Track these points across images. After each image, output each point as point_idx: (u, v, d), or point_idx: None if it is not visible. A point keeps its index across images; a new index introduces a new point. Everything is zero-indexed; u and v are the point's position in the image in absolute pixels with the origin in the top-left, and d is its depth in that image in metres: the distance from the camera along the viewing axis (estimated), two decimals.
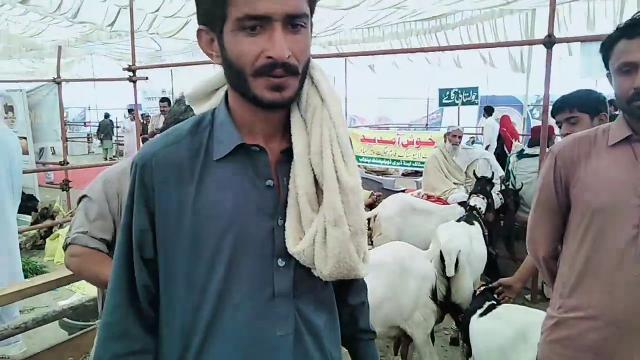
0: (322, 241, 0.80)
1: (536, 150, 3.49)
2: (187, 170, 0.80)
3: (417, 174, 9.63)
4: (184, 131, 0.83)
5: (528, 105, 11.64)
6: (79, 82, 8.19)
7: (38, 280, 1.82)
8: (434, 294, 2.41)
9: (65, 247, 1.44)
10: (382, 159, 10.19)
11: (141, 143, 6.00)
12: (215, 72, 0.89)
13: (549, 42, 3.09)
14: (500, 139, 8.87)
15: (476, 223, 3.29)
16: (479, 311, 2.08)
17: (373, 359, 1.05)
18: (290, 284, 0.83)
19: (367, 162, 10.38)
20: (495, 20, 9.29)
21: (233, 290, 0.79)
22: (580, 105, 1.88)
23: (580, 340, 1.23)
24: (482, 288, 2.36)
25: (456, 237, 2.85)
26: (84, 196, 1.46)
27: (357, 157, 9.91)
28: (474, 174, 3.81)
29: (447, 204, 4.16)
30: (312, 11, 0.78)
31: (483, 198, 3.38)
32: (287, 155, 0.83)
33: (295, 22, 0.73)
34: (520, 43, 6.76)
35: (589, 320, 1.22)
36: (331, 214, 0.79)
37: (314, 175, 0.81)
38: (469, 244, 2.96)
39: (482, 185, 3.46)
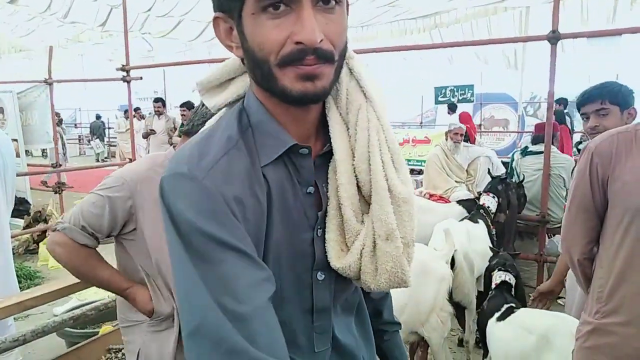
0: (371, 254, 0.72)
1: (540, 147, 3.45)
2: (252, 176, 0.67)
3: (414, 172, 9.62)
4: (234, 133, 0.69)
5: (522, 103, 11.66)
6: (69, 83, 8.02)
7: (38, 290, 1.74)
8: (450, 296, 2.36)
9: (53, 230, 1.40)
10: None
11: (135, 141, 5.89)
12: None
13: (554, 37, 3.05)
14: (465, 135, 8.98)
15: (481, 222, 3.24)
16: (497, 314, 2.01)
17: (400, 349, 1.01)
18: (330, 298, 0.76)
19: None
20: (490, 18, 9.31)
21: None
22: (612, 97, 1.82)
23: (622, 348, 1.17)
24: (498, 282, 2.29)
25: (457, 238, 2.81)
26: (93, 192, 1.40)
27: None
28: (489, 172, 3.76)
29: (450, 202, 4.11)
30: None
31: (493, 197, 3.33)
32: (323, 159, 0.74)
33: None
34: (523, 39, 6.74)
35: (629, 326, 1.16)
36: (383, 228, 0.70)
37: (357, 183, 0.72)
38: (467, 242, 2.92)
39: (494, 184, 3.40)
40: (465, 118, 9.33)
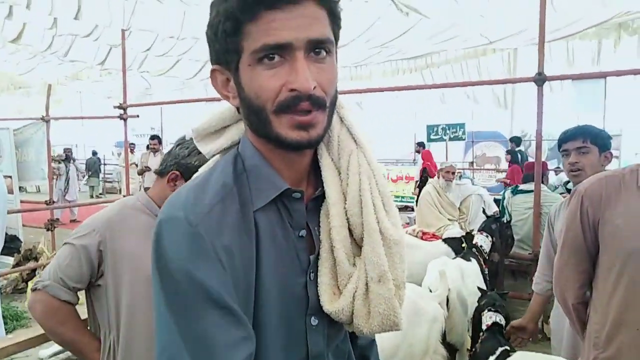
0: (364, 297, 0.72)
1: (531, 186, 3.51)
2: (242, 223, 0.68)
3: (407, 208, 9.65)
4: (229, 179, 0.70)
5: None
6: (66, 120, 8.12)
7: (22, 335, 1.70)
8: (443, 338, 2.32)
9: (34, 289, 1.37)
10: None
11: (129, 177, 5.90)
12: (207, 110, 0.81)
13: (540, 79, 3.16)
14: (425, 171, 9.14)
15: (473, 260, 3.24)
16: (492, 358, 1.98)
17: None
18: (324, 343, 0.76)
19: None
20: (479, 59, 9.61)
21: (265, 355, 0.70)
22: (592, 138, 1.89)
23: None
24: (489, 323, 2.27)
25: (450, 276, 2.80)
26: (67, 242, 1.39)
27: None
28: (484, 211, 3.79)
29: None
30: (337, 38, 0.70)
31: (487, 236, 3.34)
32: (315, 203, 0.76)
33: (319, 49, 0.65)
34: (511, 81, 6.95)
35: None
36: (375, 270, 0.71)
37: (348, 226, 0.74)
38: (461, 281, 2.91)
39: (488, 224, 3.42)
40: (425, 155, 9.56)
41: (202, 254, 0.63)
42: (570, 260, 1.31)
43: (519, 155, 8.65)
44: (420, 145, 9.86)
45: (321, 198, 0.75)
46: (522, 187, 3.77)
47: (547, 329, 3.60)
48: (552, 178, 7.93)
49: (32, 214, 6.27)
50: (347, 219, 0.73)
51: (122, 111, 4.91)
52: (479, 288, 2.56)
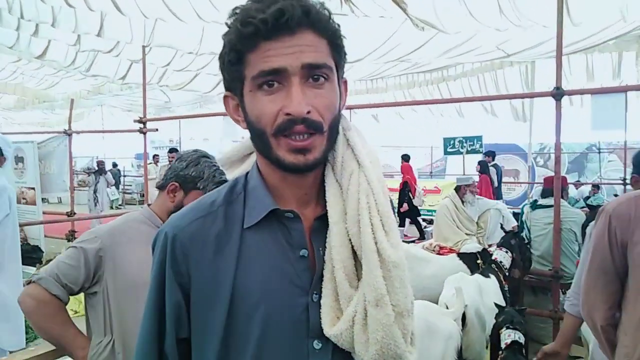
0: (363, 322, 0.70)
1: (550, 201, 3.45)
2: (224, 242, 0.73)
3: (425, 221, 9.56)
4: (220, 199, 0.77)
5: (532, 153, 11.70)
6: (93, 133, 8.32)
7: (41, 349, 1.72)
8: (459, 356, 2.28)
9: (27, 283, 1.43)
10: None
11: (148, 189, 5.99)
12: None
13: (558, 94, 3.13)
14: (405, 185, 9.12)
15: (492, 276, 3.19)
16: None
17: None
18: None
19: None
20: (496, 71, 9.55)
21: None
22: None
23: None
24: (508, 342, 2.22)
25: (464, 291, 2.76)
26: (71, 246, 1.47)
27: None
28: (502, 227, 3.74)
29: None
30: (338, 65, 0.73)
31: (506, 252, 3.29)
32: (322, 222, 0.76)
33: (316, 74, 0.68)
34: (529, 95, 6.88)
35: None
36: (372, 293, 0.69)
37: (352, 247, 0.73)
38: (478, 298, 2.86)
39: (507, 239, 3.37)
40: (405, 169, 9.51)
41: (166, 262, 0.74)
42: (599, 281, 1.28)
43: (495, 169, 8.96)
44: (404, 158, 9.82)
45: (327, 218, 0.76)
46: (541, 201, 3.71)
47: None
48: (572, 192, 7.80)
49: (53, 225, 6.40)
50: (350, 239, 0.73)
51: (141, 125, 5.01)
52: (496, 304, 2.52)
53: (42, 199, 6.18)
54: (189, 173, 1.50)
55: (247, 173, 0.81)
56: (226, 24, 0.70)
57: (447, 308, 2.66)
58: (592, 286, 1.30)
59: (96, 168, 9.88)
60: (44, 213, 5.88)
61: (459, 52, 7.21)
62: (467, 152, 9.51)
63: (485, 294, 2.99)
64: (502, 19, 5.61)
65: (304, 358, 0.72)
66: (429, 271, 3.65)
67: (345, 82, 0.78)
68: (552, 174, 3.52)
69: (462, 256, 3.84)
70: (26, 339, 3.97)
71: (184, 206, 1.46)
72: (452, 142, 9.73)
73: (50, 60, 8.02)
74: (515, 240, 3.36)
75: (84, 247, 1.42)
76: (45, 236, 6.24)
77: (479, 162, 9.26)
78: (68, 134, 5.44)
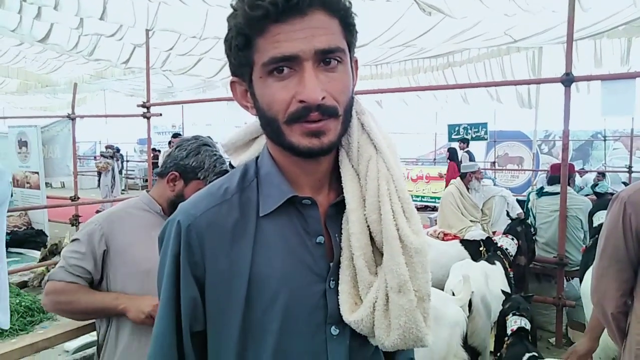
0: (384, 309, 0.70)
1: (556, 188, 3.43)
2: (240, 231, 0.71)
3: (428, 208, 9.57)
4: (233, 187, 0.74)
5: (537, 140, 11.62)
6: (96, 117, 8.31)
7: (50, 332, 1.71)
8: (464, 342, 2.29)
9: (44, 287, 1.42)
10: None
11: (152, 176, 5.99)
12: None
13: (568, 80, 3.08)
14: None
15: (498, 263, 3.18)
16: None
17: None
18: (346, 355, 0.73)
19: None
20: (502, 57, 9.43)
21: None
22: None
23: None
24: (514, 328, 2.21)
25: (471, 278, 2.76)
26: (74, 238, 1.46)
27: None
28: (507, 214, 3.73)
29: None
30: (350, 45, 0.70)
31: (512, 239, 3.27)
32: (337, 209, 0.75)
33: (329, 58, 0.65)
34: (538, 81, 6.80)
35: None
36: (394, 280, 0.69)
37: (370, 233, 0.72)
38: (484, 284, 2.86)
39: (514, 226, 3.36)
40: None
41: (181, 253, 0.71)
42: (611, 268, 1.27)
43: (468, 155, 8.95)
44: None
45: (343, 204, 0.74)
46: (547, 189, 3.69)
47: (571, 333, 3.53)
48: (577, 180, 7.77)
49: (57, 210, 6.42)
50: (368, 226, 0.72)
51: (145, 110, 4.98)
52: (502, 291, 2.52)
53: (45, 183, 6.20)
54: (189, 163, 1.47)
55: (257, 158, 0.78)
56: (231, 5, 0.67)
57: (454, 295, 2.66)
58: (604, 274, 1.29)
59: (112, 152, 9.87)
60: (47, 197, 5.89)
61: (465, 38, 7.11)
62: (472, 138, 9.48)
63: (492, 280, 2.99)
64: (511, 3, 5.52)
65: (322, 344, 0.72)
66: (431, 256, 3.64)
67: (356, 61, 0.75)
68: (557, 161, 3.50)
69: (465, 243, 3.84)
70: (32, 322, 4.00)
71: (184, 195, 1.45)
72: (457, 128, 9.70)
73: (53, 44, 7.95)
74: (521, 228, 3.35)
75: (87, 236, 1.41)
76: (49, 220, 6.27)
77: (448, 149, 9.26)
78: (71, 118, 5.42)
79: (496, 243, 3.36)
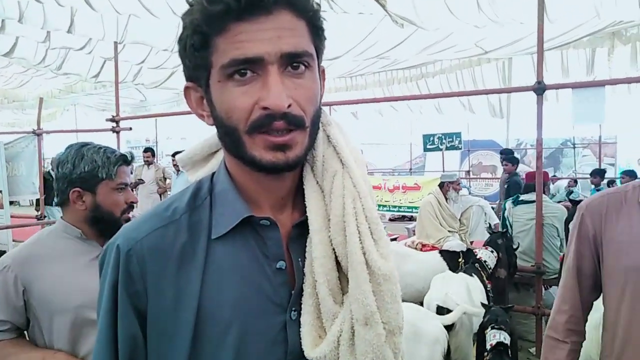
0: (349, 343, 0.63)
1: (532, 196, 3.45)
2: (189, 256, 0.63)
3: (405, 218, 9.59)
4: (182, 206, 0.66)
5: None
6: (61, 133, 8.06)
7: None
8: (447, 357, 2.24)
9: None
10: None
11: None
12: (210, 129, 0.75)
13: (540, 88, 3.12)
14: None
15: (475, 276, 3.17)
16: None
17: None
18: None
19: None
20: (474, 68, 9.64)
21: None
22: None
23: None
24: (493, 343, 2.19)
25: (454, 291, 2.74)
26: None
27: None
28: (489, 227, 3.73)
29: None
30: (319, 51, 0.64)
31: (492, 251, 3.26)
32: (301, 230, 0.67)
33: (296, 62, 0.59)
34: (510, 90, 6.94)
35: None
36: (360, 310, 0.62)
37: (336, 257, 0.65)
38: (467, 298, 2.84)
39: (494, 239, 3.35)
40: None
41: (119, 282, 0.63)
42: (573, 280, 1.26)
43: None
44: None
45: (307, 225, 0.67)
46: (523, 197, 3.72)
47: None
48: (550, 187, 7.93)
49: (24, 230, 6.14)
50: (334, 248, 0.65)
51: (114, 124, 4.84)
52: (482, 304, 2.49)
53: (12, 202, 5.93)
54: (82, 170, 1.28)
55: (213, 174, 0.70)
56: (187, 1, 0.60)
57: (438, 308, 2.62)
58: (565, 284, 1.28)
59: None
60: (12, 217, 5.63)
61: (437, 49, 7.24)
62: (447, 148, 9.59)
63: (473, 293, 2.96)
64: (481, 15, 5.63)
65: None
66: (410, 267, 3.62)
67: (324, 70, 0.69)
68: (529, 169, 3.53)
69: (444, 254, 3.82)
70: None
71: (102, 205, 1.30)
72: (431, 138, 9.80)
73: (19, 58, 7.73)
74: (502, 240, 3.35)
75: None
76: (14, 240, 5.99)
77: None
78: (37, 134, 5.22)
79: (475, 255, 3.36)
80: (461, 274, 3.14)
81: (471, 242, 4.18)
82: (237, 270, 0.63)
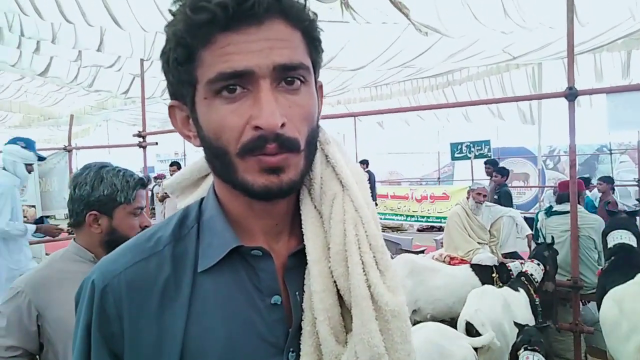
0: None
1: (566, 207, 3.29)
2: (172, 292, 0.57)
3: (433, 229, 9.40)
4: (166, 236, 0.60)
5: (542, 156, 11.51)
6: (93, 148, 8.31)
7: None
8: None
9: None
10: (397, 214, 10.02)
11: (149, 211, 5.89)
12: None
13: (571, 94, 2.98)
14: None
15: (521, 290, 3.04)
16: None
17: None
18: None
19: (381, 219, 10.16)
20: (502, 74, 9.44)
21: None
22: None
23: None
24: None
25: (484, 306, 2.62)
26: None
27: None
28: (540, 232, 3.59)
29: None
30: (315, 64, 0.59)
31: (538, 264, 3.12)
32: (298, 259, 0.60)
33: (290, 76, 0.54)
34: (540, 97, 6.72)
35: None
36: (366, 352, 0.55)
37: (337, 290, 0.58)
38: (501, 313, 2.71)
39: (540, 251, 3.21)
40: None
41: (92, 323, 0.58)
42: None
43: (369, 175, 9.08)
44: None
45: (305, 254, 0.61)
46: (556, 207, 3.55)
47: None
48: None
49: (57, 243, 6.31)
50: (334, 281, 0.58)
51: (141, 139, 4.93)
52: (515, 323, 2.36)
53: (47, 216, 6.11)
54: (101, 193, 1.27)
55: (202, 200, 0.65)
56: (170, 11, 0.55)
57: (469, 326, 2.51)
58: None
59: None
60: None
61: (463, 57, 7.10)
62: (475, 156, 9.36)
63: (515, 308, 2.84)
64: (507, 21, 5.49)
65: None
66: (439, 281, 3.51)
67: (321, 86, 0.63)
68: (563, 176, 3.38)
69: (475, 268, 3.68)
70: None
71: (118, 229, 1.28)
72: (459, 147, 9.59)
73: (53, 77, 8.02)
74: (549, 252, 3.20)
75: (10, 306, 1.22)
76: (47, 254, 6.16)
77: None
78: (68, 150, 5.39)
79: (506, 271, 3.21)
80: (505, 288, 3.02)
81: (503, 255, 4.01)
82: (226, 306, 0.57)
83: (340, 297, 0.59)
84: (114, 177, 1.30)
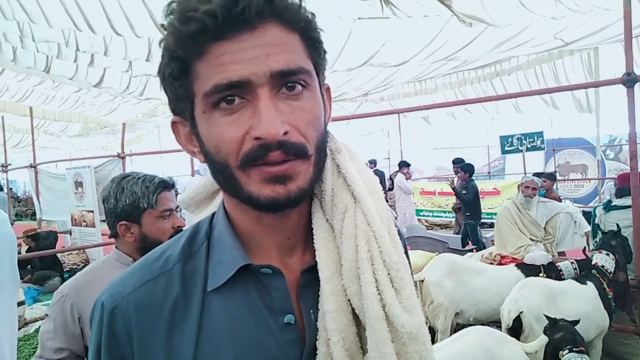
0: None
1: (627, 200, 3.07)
2: (181, 313, 0.55)
3: (485, 225, 9.07)
4: (175, 254, 0.59)
5: (601, 146, 10.83)
6: (145, 154, 8.69)
7: None
8: None
9: None
10: (444, 212, 9.77)
11: None
12: None
13: (629, 80, 2.78)
14: None
15: (589, 283, 2.89)
16: None
17: None
18: None
19: (428, 216, 9.97)
20: (555, 62, 8.97)
21: None
22: None
23: None
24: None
25: (526, 296, 2.56)
26: (46, 313, 1.34)
27: (417, 211, 9.59)
28: (599, 228, 3.40)
29: (521, 263, 3.72)
30: (318, 67, 0.56)
31: (608, 254, 2.95)
32: (312, 276, 0.58)
33: (291, 82, 0.51)
34: (595, 84, 6.33)
35: None
36: None
37: (352, 309, 0.55)
38: (543, 303, 2.61)
39: (607, 240, 3.04)
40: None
41: (103, 343, 0.57)
42: None
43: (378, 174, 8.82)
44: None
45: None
46: (616, 202, 3.33)
47: None
48: None
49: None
50: (349, 299, 0.55)
51: None
52: (546, 316, 2.23)
53: (102, 220, 6.46)
54: (124, 203, 1.32)
55: (213, 215, 0.63)
56: (162, 26, 0.54)
57: (515, 323, 2.42)
58: None
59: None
60: (103, 235, 6.12)
61: (512, 45, 6.80)
62: (527, 149, 8.94)
63: (563, 300, 2.71)
64: (558, 6, 5.20)
65: None
66: (481, 283, 3.37)
67: (328, 88, 0.60)
68: (625, 167, 3.15)
69: (522, 267, 3.50)
70: None
71: (149, 235, 1.32)
72: (510, 139, 9.20)
73: (107, 88, 8.45)
74: (616, 241, 3.01)
75: (55, 310, 1.29)
76: None
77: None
78: (121, 157, 5.66)
79: (591, 262, 3.04)
80: (569, 280, 2.88)
81: (559, 254, 3.79)
82: (237, 327, 0.55)
83: (356, 316, 0.56)
84: (133, 185, 1.34)
